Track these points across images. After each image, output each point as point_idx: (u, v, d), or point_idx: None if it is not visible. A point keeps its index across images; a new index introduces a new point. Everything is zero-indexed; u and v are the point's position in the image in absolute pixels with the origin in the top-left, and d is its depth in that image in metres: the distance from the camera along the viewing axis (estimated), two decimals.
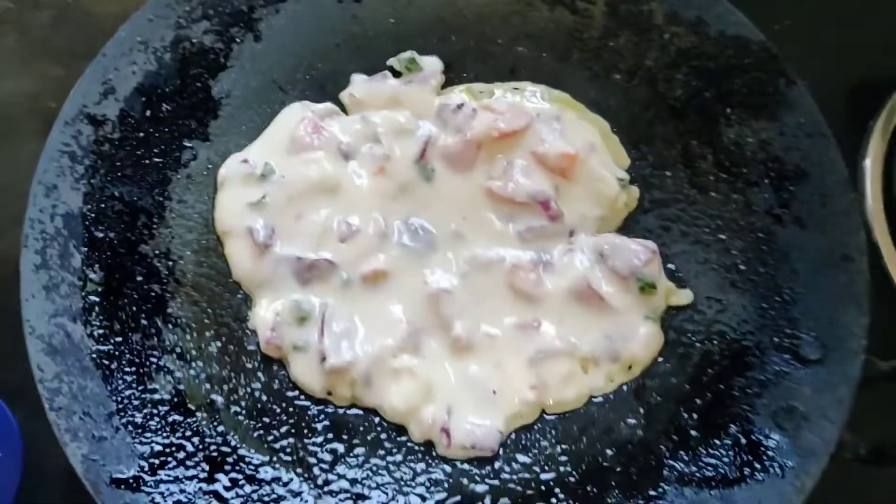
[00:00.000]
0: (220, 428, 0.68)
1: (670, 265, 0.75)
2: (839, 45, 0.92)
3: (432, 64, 0.81)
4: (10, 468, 0.74)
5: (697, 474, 0.67)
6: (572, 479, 0.68)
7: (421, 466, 0.68)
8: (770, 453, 0.66)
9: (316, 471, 0.67)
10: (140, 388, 0.67)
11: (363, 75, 0.79)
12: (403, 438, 0.69)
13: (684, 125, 0.78)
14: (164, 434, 0.66)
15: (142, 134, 0.75)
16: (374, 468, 0.68)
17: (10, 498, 0.73)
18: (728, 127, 0.77)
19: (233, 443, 0.67)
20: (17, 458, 0.74)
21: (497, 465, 0.68)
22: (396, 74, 0.80)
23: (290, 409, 0.69)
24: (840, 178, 0.73)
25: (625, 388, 0.71)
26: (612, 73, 0.80)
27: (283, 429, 0.68)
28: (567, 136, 0.76)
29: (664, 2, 0.80)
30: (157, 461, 0.65)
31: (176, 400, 0.68)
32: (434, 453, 0.68)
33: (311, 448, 0.68)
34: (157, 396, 0.67)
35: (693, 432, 0.69)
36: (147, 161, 0.75)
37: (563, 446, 0.69)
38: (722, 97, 0.78)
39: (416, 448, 0.69)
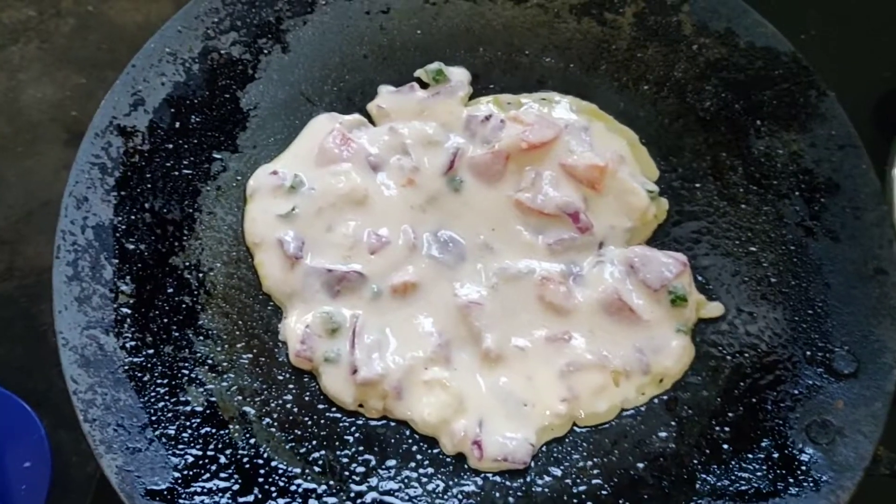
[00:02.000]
0: (253, 440, 0.68)
1: (700, 277, 0.74)
2: (866, 55, 0.91)
3: (460, 75, 0.80)
4: (40, 476, 0.74)
5: (730, 488, 0.66)
6: (604, 492, 0.68)
7: (453, 479, 0.68)
8: (804, 467, 0.66)
9: (348, 483, 0.67)
10: (173, 399, 0.67)
11: (390, 87, 0.79)
12: (435, 451, 0.69)
13: (714, 137, 0.78)
14: (198, 446, 0.66)
15: (171, 145, 0.75)
16: (407, 480, 0.67)
17: None
18: (758, 139, 0.77)
19: (265, 455, 0.67)
20: (45, 467, 0.75)
21: (529, 477, 0.68)
22: (424, 86, 0.80)
23: (322, 422, 0.69)
24: (872, 189, 0.73)
25: (656, 401, 0.71)
26: (640, 84, 0.80)
27: (315, 441, 0.68)
28: (596, 148, 0.76)
29: (693, 13, 0.80)
30: (190, 473, 0.65)
31: (208, 412, 0.68)
32: (466, 466, 0.68)
33: (343, 460, 0.68)
34: (189, 408, 0.67)
35: (725, 446, 0.68)
36: (177, 173, 0.75)
37: (595, 459, 0.69)
38: (752, 109, 0.77)
39: (448, 460, 0.68)
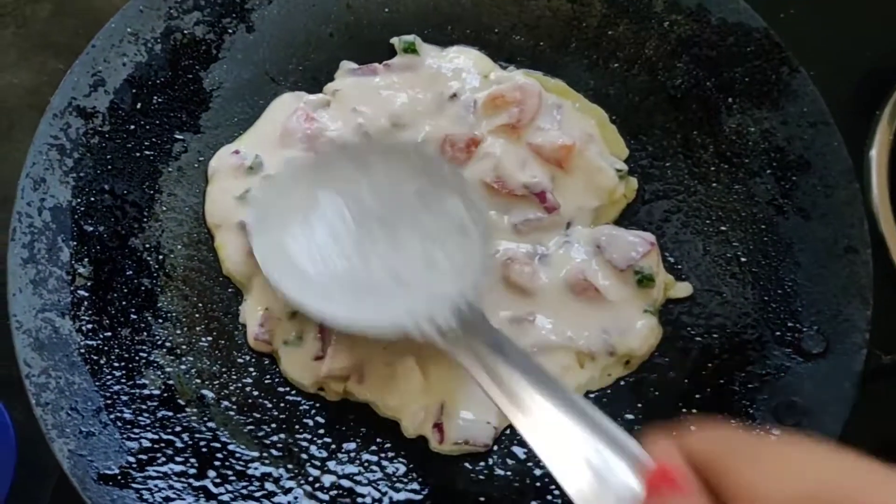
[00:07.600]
0: (211, 423, 0.67)
1: (670, 257, 0.73)
2: (846, 33, 0.90)
3: (430, 52, 0.79)
4: (4, 463, 0.73)
5: None
6: None
7: (414, 462, 0.67)
8: None
9: (307, 466, 0.66)
10: (129, 383, 0.66)
11: (352, 64, 0.78)
12: (396, 434, 0.68)
13: (685, 115, 0.76)
14: (154, 430, 0.65)
15: (132, 126, 0.74)
16: (366, 464, 0.66)
17: (3, 493, 0.73)
18: (729, 116, 0.75)
19: (223, 438, 0.66)
20: (10, 453, 0.74)
21: (490, 460, 0.67)
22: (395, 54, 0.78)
23: (281, 405, 0.68)
24: (843, 167, 0.71)
25: (622, 382, 0.70)
26: (610, 61, 0.79)
27: (274, 424, 0.67)
28: (564, 127, 0.75)
29: None
30: (145, 457, 0.64)
31: (165, 395, 0.67)
32: (427, 449, 0.67)
33: (302, 443, 0.67)
34: (146, 392, 0.66)
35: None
36: (137, 154, 0.74)
37: None
38: (723, 86, 0.76)
39: (409, 443, 0.67)
